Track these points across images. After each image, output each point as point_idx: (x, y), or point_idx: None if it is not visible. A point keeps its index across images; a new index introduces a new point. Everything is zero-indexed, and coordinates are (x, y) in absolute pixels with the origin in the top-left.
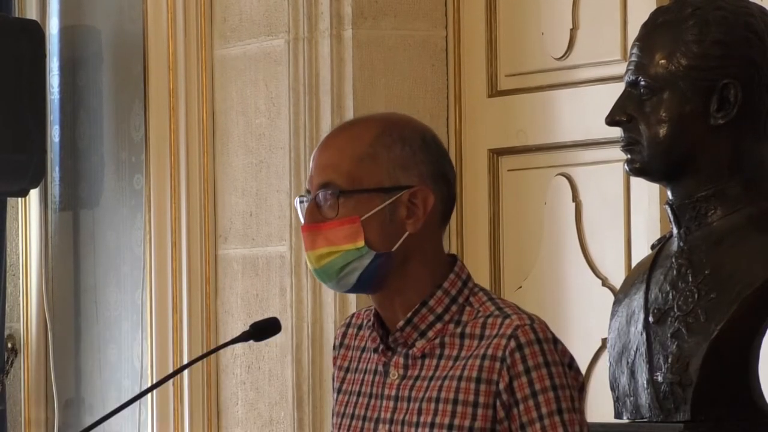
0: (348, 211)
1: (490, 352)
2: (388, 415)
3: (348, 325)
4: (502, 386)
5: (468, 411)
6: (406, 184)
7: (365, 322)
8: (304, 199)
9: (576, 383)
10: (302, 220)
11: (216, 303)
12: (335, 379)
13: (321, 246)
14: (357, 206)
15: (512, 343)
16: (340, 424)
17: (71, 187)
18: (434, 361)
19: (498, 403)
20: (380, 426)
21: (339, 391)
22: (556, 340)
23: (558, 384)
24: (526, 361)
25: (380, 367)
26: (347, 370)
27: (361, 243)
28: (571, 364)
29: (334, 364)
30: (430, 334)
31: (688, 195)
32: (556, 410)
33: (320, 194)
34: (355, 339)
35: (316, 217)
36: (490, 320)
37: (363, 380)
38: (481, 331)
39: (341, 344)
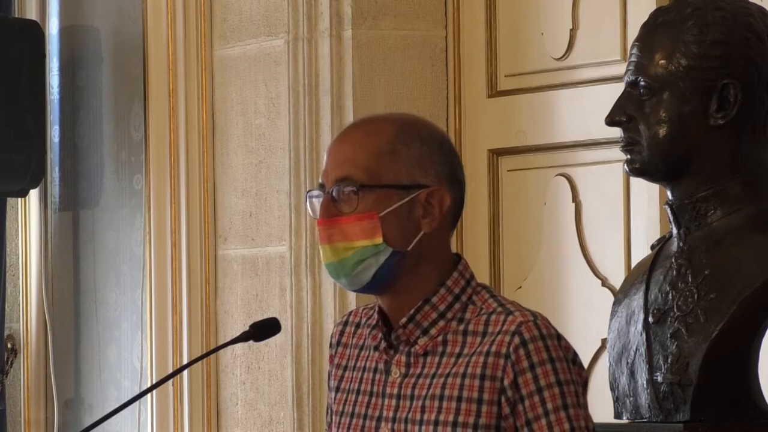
0: (367, 206)
1: (494, 348)
2: (391, 414)
3: (345, 324)
4: (506, 382)
5: (472, 408)
6: (424, 183)
7: (364, 320)
8: (316, 193)
9: (580, 378)
10: (314, 215)
11: (216, 303)
12: (332, 377)
13: (338, 240)
14: (376, 202)
15: (516, 340)
16: (340, 423)
17: (71, 187)
18: (437, 359)
19: (503, 400)
20: (383, 424)
21: (337, 389)
22: (559, 336)
23: (563, 379)
24: (530, 357)
25: (381, 366)
26: (345, 368)
27: (379, 239)
28: (575, 359)
29: (331, 362)
30: (433, 331)
31: (688, 195)
32: (561, 405)
33: (337, 189)
34: (353, 337)
35: (331, 211)
36: (493, 317)
37: (362, 378)
38: (484, 328)
39: (338, 342)
